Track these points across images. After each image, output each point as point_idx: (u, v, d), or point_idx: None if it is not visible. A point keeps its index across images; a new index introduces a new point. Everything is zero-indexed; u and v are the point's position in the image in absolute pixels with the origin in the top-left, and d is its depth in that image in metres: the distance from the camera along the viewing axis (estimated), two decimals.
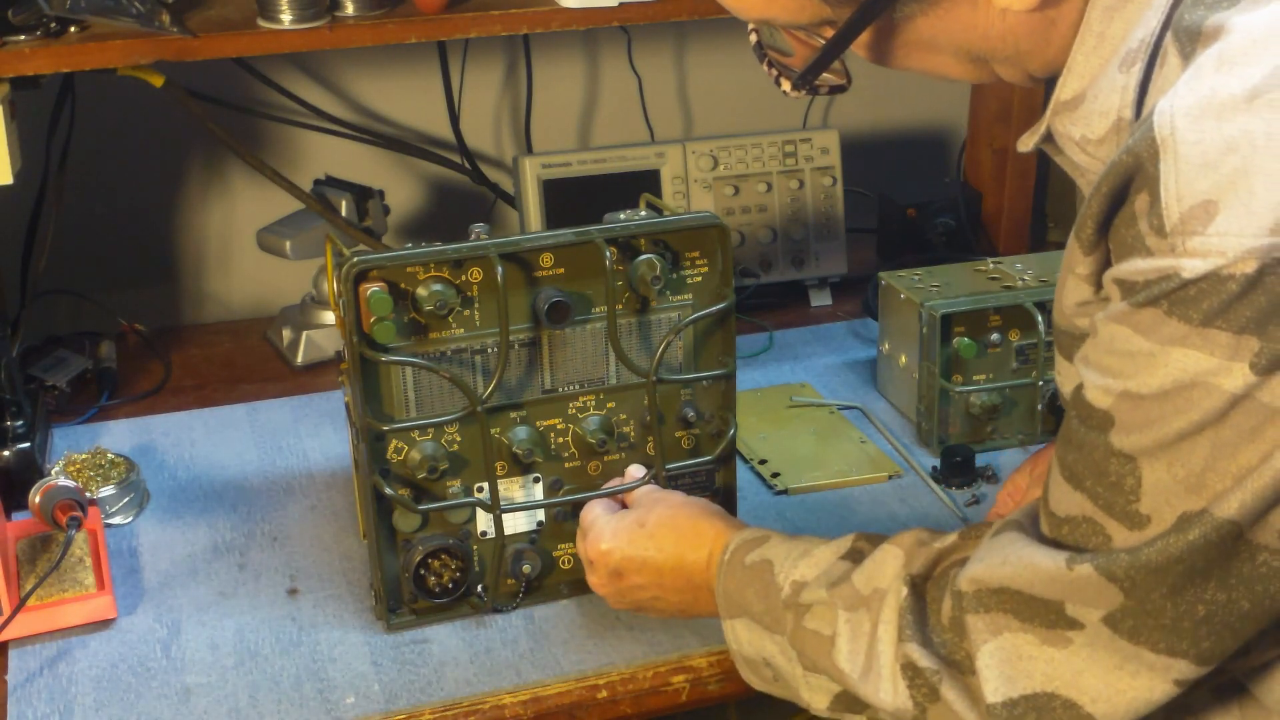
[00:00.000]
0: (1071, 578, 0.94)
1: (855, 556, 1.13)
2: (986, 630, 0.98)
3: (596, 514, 1.32)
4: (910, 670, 1.02)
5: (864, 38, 1.03)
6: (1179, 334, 0.87)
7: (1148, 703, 0.94)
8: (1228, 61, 0.88)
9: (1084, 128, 1.00)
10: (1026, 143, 1.08)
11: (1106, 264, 0.94)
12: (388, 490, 1.29)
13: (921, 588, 1.06)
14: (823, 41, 1.03)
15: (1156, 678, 0.93)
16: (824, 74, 1.06)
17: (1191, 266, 0.85)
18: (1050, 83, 1.04)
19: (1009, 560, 0.98)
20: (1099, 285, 0.96)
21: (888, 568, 1.08)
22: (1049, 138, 1.06)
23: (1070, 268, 0.98)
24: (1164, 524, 0.90)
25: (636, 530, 1.27)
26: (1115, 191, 0.90)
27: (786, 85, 1.08)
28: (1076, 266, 0.97)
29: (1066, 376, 1.07)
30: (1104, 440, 0.93)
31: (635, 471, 1.36)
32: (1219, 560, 0.89)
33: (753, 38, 1.12)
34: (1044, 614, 0.96)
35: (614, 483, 1.37)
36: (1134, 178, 0.89)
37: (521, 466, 1.34)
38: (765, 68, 1.10)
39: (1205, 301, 0.85)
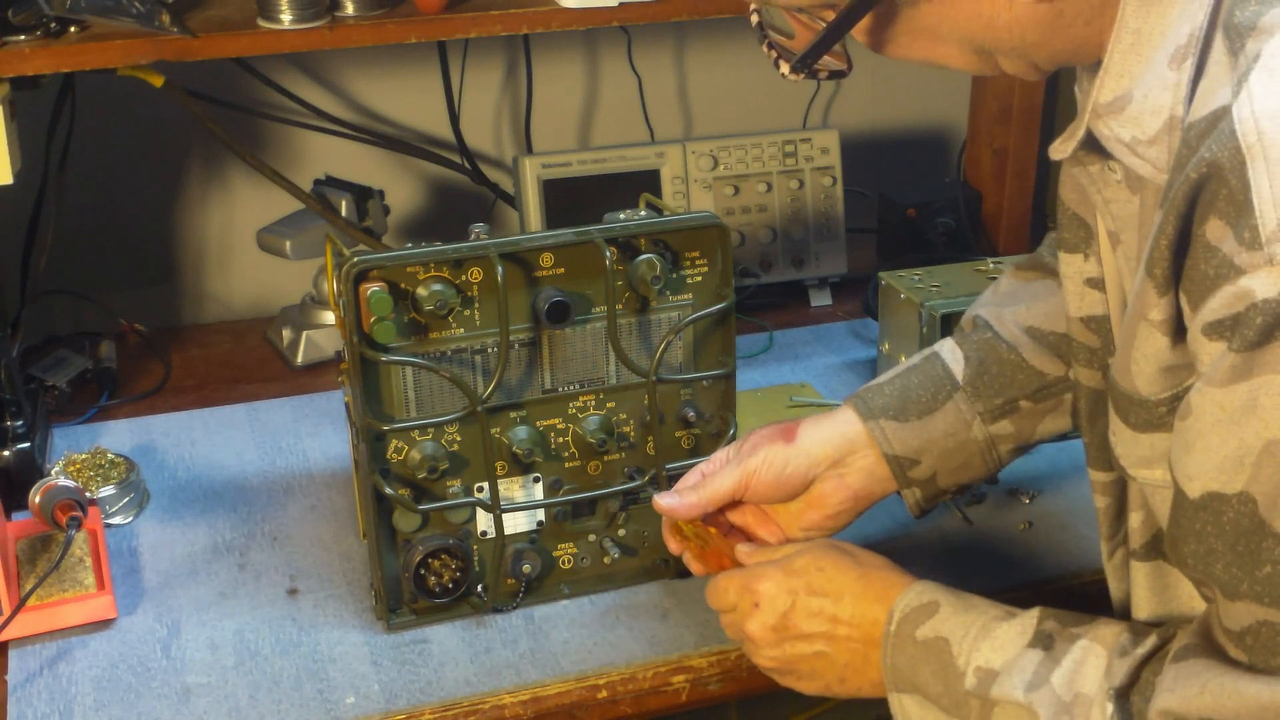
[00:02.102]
0: None
1: (1045, 643, 1.04)
2: None
3: (754, 557, 1.23)
4: None
5: (865, 22, 0.99)
6: None
7: None
8: None
9: (1134, 129, 0.94)
10: (1063, 149, 1.02)
11: (1179, 309, 0.88)
12: (388, 490, 1.29)
13: (1128, 704, 0.98)
14: (824, 24, 1.00)
15: None
16: (824, 58, 1.03)
17: None
18: (1054, 77, 1.01)
19: (1207, 689, 0.90)
20: (1175, 335, 0.90)
21: (1090, 670, 1.01)
22: (1089, 143, 1.00)
23: (1141, 314, 0.91)
24: None
25: (815, 573, 1.17)
26: (1187, 211, 0.85)
27: (785, 68, 1.04)
28: (1149, 311, 0.90)
29: (1123, 438, 1.01)
30: (1256, 526, 0.85)
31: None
32: None
33: (754, 18, 1.08)
34: None
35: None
36: (1200, 194, 0.84)
37: (521, 466, 1.34)
38: (765, 49, 1.06)
39: None
